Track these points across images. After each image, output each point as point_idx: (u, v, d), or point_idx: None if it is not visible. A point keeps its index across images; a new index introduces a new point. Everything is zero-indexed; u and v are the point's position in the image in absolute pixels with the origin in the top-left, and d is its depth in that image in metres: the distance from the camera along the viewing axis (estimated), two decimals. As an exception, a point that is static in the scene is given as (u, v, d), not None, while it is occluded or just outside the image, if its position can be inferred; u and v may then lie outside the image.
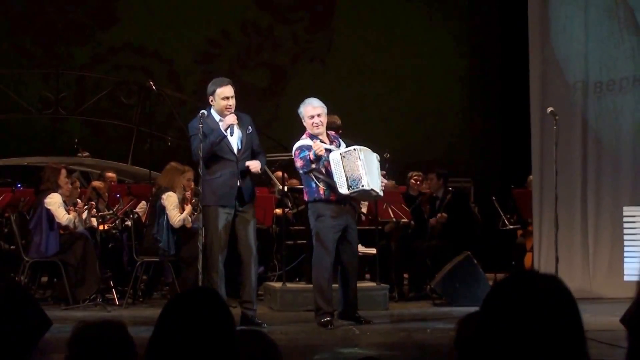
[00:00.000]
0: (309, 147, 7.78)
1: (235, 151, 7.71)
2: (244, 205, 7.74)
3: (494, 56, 14.79)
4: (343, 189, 7.71)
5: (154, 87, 12.11)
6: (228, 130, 7.68)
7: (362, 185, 7.70)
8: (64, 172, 9.52)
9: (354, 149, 7.79)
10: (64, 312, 8.69)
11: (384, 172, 8.19)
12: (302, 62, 15.16)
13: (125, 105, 13.84)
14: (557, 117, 8.65)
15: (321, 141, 7.84)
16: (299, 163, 7.88)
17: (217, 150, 7.66)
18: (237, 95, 7.88)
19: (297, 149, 7.92)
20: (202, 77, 14.58)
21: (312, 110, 7.90)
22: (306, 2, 15.31)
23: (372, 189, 7.76)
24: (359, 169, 7.70)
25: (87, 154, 13.15)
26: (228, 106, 7.65)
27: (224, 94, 7.66)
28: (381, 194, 8.04)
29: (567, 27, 10.06)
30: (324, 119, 7.93)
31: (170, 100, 13.79)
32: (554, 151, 8.59)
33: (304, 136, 7.98)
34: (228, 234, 7.71)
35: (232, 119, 7.64)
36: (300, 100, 8.12)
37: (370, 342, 7.27)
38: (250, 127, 7.79)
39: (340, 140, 8.08)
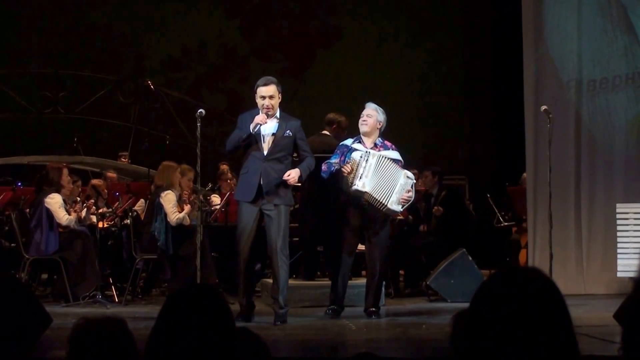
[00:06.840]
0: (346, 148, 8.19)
1: (265, 151, 7.72)
2: (269, 204, 7.73)
3: (488, 54, 14.85)
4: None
5: (152, 87, 12.20)
6: (257, 129, 7.68)
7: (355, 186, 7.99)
8: (65, 171, 9.56)
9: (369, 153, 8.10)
10: (64, 309, 8.77)
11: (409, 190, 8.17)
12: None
13: (124, 104, 13.90)
14: (550, 115, 8.72)
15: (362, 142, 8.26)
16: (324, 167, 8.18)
17: (249, 148, 7.76)
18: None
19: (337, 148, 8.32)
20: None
21: (364, 111, 8.36)
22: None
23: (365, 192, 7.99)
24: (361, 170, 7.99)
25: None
26: (263, 105, 7.71)
27: (260, 92, 7.76)
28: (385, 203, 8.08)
29: (560, 26, 10.11)
30: (369, 120, 8.26)
31: (168, 99, 13.84)
32: (547, 149, 8.66)
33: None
34: (253, 228, 7.76)
35: (259, 118, 7.67)
36: None
37: (366, 337, 7.31)
38: (290, 132, 7.78)
39: (390, 146, 8.30)
